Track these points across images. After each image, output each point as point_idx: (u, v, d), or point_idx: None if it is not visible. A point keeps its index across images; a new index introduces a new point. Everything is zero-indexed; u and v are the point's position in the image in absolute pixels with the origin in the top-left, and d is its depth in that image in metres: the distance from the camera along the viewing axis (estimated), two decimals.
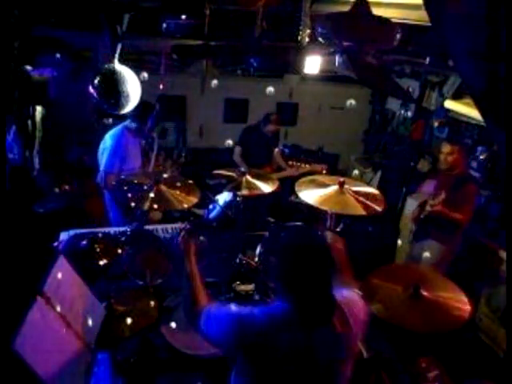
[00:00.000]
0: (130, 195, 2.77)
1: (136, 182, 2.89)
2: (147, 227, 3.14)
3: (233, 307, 1.49)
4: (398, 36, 2.40)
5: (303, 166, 5.03)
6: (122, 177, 3.09)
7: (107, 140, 3.49)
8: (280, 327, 1.41)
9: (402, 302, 2.10)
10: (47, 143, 4.65)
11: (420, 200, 3.74)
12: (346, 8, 2.48)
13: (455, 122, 4.79)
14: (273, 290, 1.57)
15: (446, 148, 3.54)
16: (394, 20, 2.50)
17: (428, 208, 3.54)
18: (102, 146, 3.52)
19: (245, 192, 3.02)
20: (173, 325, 2.22)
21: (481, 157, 4.39)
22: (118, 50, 2.46)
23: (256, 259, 2.74)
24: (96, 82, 2.40)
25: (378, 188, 4.34)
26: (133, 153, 3.54)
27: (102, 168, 3.47)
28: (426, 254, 3.58)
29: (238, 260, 2.82)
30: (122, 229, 3.07)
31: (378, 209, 2.61)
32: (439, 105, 4.93)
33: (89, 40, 4.72)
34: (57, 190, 4.42)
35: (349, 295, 1.61)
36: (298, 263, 1.43)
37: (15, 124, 4.22)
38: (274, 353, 1.40)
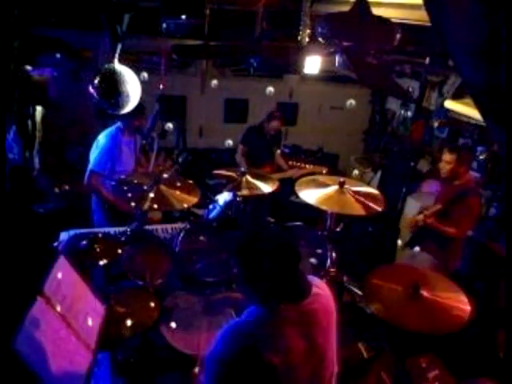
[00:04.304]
0: (130, 195, 2.77)
1: (136, 182, 2.89)
2: (147, 227, 3.14)
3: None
4: (398, 36, 2.41)
5: (303, 166, 5.04)
6: (119, 177, 3.05)
7: (100, 140, 3.43)
8: (268, 328, 1.41)
9: (402, 302, 2.10)
10: (47, 143, 4.65)
11: (423, 201, 3.70)
12: (346, 8, 2.49)
13: (455, 122, 4.80)
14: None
15: (445, 156, 3.30)
16: (393, 20, 2.50)
17: (421, 217, 3.41)
18: (94, 145, 3.44)
19: (245, 192, 3.02)
20: (173, 325, 2.22)
21: (481, 157, 4.39)
22: (118, 50, 2.45)
23: None
24: (96, 82, 2.40)
25: (378, 188, 4.35)
26: (126, 154, 3.47)
27: (89, 166, 3.39)
28: (416, 264, 3.38)
29: None
30: (121, 229, 3.06)
31: (378, 209, 2.61)
32: (439, 105, 4.93)
33: (89, 40, 4.73)
34: (57, 190, 4.43)
35: (317, 281, 1.63)
36: (258, 260, 1.42)
37: (15, 124, 4.22)
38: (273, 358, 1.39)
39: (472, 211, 3.25)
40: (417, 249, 3.55)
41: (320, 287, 1.59)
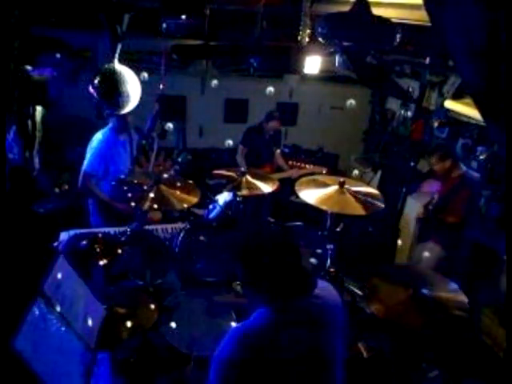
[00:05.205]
0: (130, 195, 2.77)
1: (136, 182, 2.89)
2: (147, 227, 3.14)
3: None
4: (398, 36, 2.41)
5: (303, 166, 5.03)
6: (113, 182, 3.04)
7: (93, 141, 3.42)
8: (275, 329, 1.41)
9: (401, 302, 2.10)
10: (47, 143, 4.65)
11: (423, 201, 3.80)
12: (346, 8, 2.49)
13: (455, 122, 4.79)
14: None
15: (431, 161, 3.76)
16: (393, 20, 2.51)
17: (421, 210, 3.73)
18: (88, 146, 3.44)
19: (245, 192, 3.02)
20: (173, 325, 2.22)
21: (481, 157, 4.39)
22: (118, 50, 2.45)
23: None
24: (96, 82, 2.40)
25: (378, 188, 4.35)
26: (121, 154, 3.46)
27: (82, 168, 3.38)
28: (426, 256, 3.67)
29: None
30: (121, 229, 3.06)
31: (378, 208, 2.62)
32: (439, 105, 4.93)
33: (89, 40, 4.74)
34: (57, 190, 4.42)
35: (323, 284, 1.62)
36: (262, 261, 1.43)
37: (15, 124, 4.21)
38: (279, 356, 1.39)
39: (465, 201, 3.67)
40: (425, 253, 3.76)
41: (325, 286, 1.60)
